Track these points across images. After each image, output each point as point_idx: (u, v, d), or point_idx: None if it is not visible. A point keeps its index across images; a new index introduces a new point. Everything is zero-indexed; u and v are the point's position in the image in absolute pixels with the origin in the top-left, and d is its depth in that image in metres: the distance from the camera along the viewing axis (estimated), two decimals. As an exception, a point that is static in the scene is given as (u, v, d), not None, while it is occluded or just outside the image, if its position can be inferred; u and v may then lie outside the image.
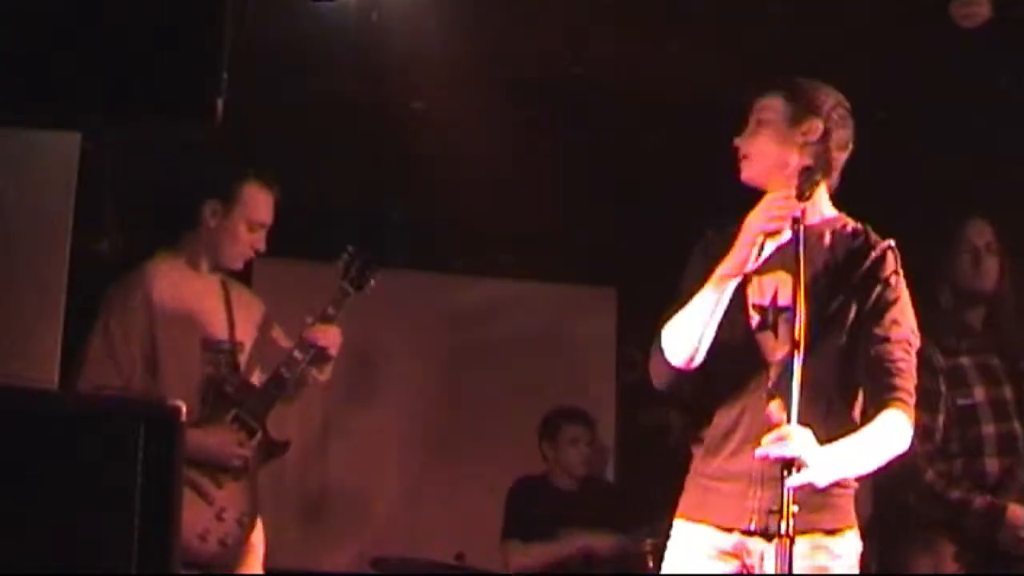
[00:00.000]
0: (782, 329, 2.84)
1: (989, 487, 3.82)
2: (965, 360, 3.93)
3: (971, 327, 3.96)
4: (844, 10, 3.86)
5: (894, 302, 2.87)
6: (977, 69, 4.13)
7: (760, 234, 2.77)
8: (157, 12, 1.63)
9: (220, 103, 1.61)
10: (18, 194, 2.50)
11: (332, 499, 5.74)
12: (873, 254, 2.90)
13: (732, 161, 3.03)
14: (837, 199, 3.00)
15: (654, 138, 4.70)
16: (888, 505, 4.04)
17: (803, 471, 2.58)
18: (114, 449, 1.52)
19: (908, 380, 2.82)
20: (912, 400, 2.82)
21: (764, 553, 2.77)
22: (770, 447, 2.58)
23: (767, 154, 2.94)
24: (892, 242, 2.93)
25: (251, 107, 3.00)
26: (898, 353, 2.83)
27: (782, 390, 2.69)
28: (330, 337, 3.77)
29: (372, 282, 3.88)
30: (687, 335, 2.85)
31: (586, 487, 5.21)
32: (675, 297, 2.96)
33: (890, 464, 2.83)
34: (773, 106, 2.94)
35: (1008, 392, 3.90)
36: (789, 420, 2.58)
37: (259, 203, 3.75)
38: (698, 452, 2.99)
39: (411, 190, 5.15)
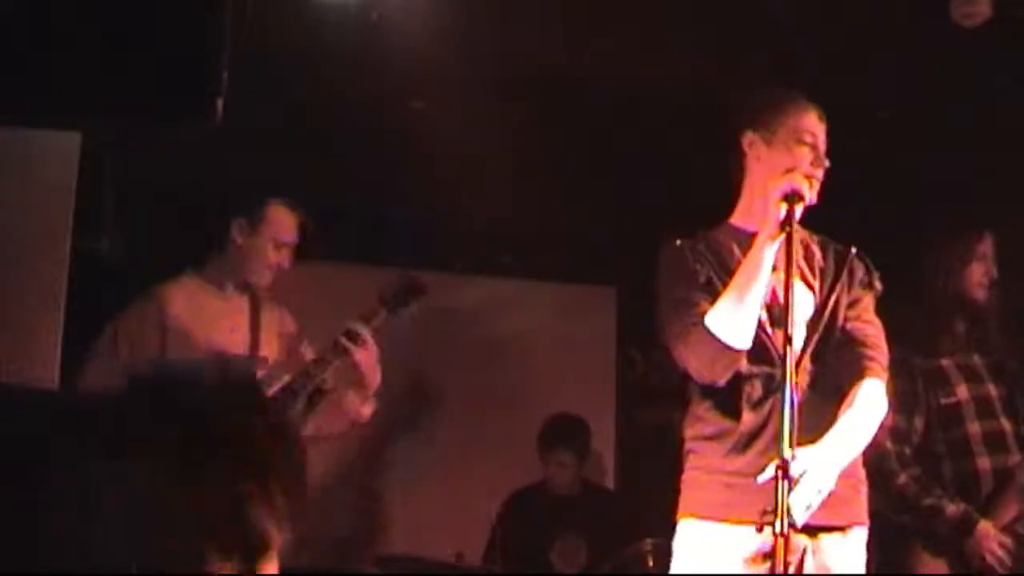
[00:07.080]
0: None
1: (983, 491, 3.81)
2: (946, 361, 3.92)
3: (956, 331, 3.96)
4: (844, 10, 3.86)
5: (869, 296, 3.05)
6: (977, 69, 4.13)
7: (789, 191, 2.79)
8: (157, 12, 1.63)
9: (220, 103, 1.61)
10: (18, 194, 2.50)
11: (331, 498, 5.73)
12: (849, 259, 3.05)
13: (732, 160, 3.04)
14: (840, 198, 3.03)
15: (654, 138, 4.69)
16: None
17: (814, 500, 2.64)
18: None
19: (880, 353, 2.96)
20: (885, 370, 2.96)
21: (808, 549, 2.83)
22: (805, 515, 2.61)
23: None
24: (855, 249, 3.08)
25: (251, 107, 3.00)
26: (870, 330, 2.99)
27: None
28: (364, 352, 3.82)
29: (410, 309, 3.94)
30: (745, 310, 2.85)
31: (585, 492, 5.22)
32: (661, 303, 3.02)
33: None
34: (821, 136, 2.99)
35: (992, 389, 3.88)
36: (791, 445, 2.56)
37: (284, 223, 3.86)
38: (714, 449, 2.97)
39: (411, 190, 5.15)
